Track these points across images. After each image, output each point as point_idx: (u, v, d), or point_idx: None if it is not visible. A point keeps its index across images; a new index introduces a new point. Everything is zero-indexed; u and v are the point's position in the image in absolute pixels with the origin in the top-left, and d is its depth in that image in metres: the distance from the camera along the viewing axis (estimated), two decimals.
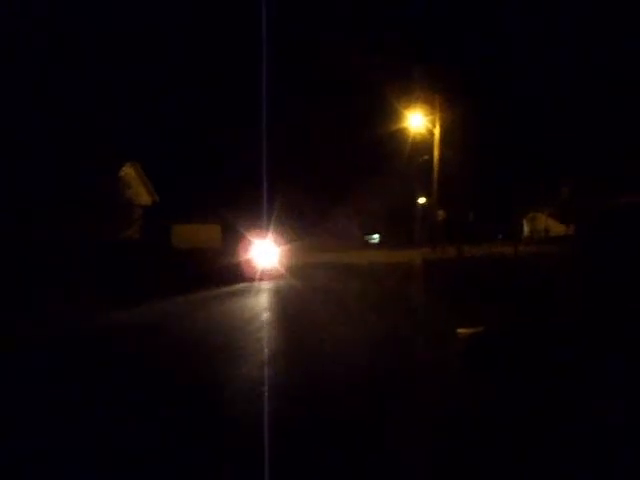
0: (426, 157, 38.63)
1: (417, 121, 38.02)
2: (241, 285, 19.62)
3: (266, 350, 8.50)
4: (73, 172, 24.49)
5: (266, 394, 6.24)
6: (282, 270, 22.41)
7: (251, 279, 20.75)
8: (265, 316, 12.12)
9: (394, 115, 38.07)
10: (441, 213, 39.05)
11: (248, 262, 22.15)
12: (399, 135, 39.00)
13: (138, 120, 30.74)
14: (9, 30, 19.52)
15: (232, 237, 32.81)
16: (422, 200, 44.39)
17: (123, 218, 27.35)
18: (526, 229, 56.83)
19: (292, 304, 14.67)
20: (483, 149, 40.41)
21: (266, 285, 19.48)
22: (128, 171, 32.30)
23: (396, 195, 42.93)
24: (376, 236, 45.36)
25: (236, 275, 20.90)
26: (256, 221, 24.97)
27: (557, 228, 49.70)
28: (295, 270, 23.75)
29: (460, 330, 9.27)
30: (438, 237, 36.69)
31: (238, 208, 30.11)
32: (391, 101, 37.53)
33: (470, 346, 8.48)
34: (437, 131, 37.63)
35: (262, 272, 21.64)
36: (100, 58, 21.80)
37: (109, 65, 21.90)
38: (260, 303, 14.83)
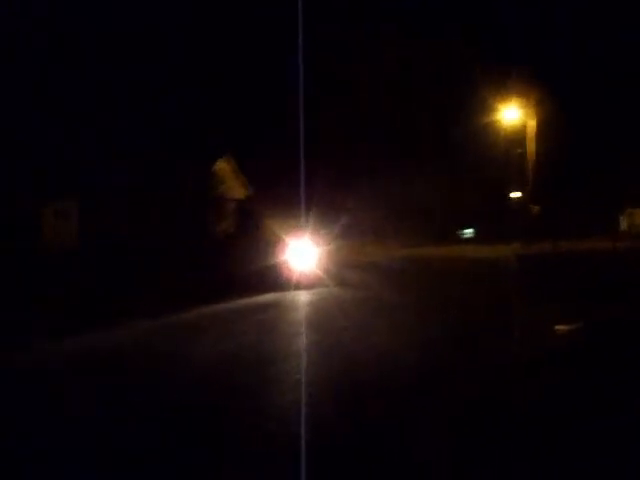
0: (520, 150, 38.00)
1: (511, 114, 37.45)
2: (270, 296, 15.83)
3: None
4: (167, 168, 25.51)
5: None
6: (324, 275, 18.21)
7: (284, 287, 16.91)
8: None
9: (487, 107, 37.77)
10: (535, 207, 38.42)
11: (282, 266, 18.41)
12: (492, 128, 38.51)
13: (233, 116, 31.25)
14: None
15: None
16: (516, 194, 43.78)
17: (217, 212, 27.76)
18: (624, 224, 54.83)
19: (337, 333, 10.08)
20: (579, 143, 39.29)
21: (302, 297, 15.69)
22: (222, 166, 32.63)
23: (490, 189, 42.18)
24: (470, 230, 44.29)
25: (267, 282, 17.06)
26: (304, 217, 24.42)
27: None
28: (353, 272, 20.49)
29: (558, 327, 9.44)
30: (532, 232, 35.90)
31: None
32: (483, 93, 37.35)
33: (569, 342, 8.51)
34: (532, 124, 36.92)
35: (299, 278, 17.63)
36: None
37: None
38: (288, 330, 10.96)
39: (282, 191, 34.05)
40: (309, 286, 17.28)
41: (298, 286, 17.11)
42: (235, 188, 33.59)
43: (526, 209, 38.73)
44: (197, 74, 29.51)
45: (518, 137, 38.40)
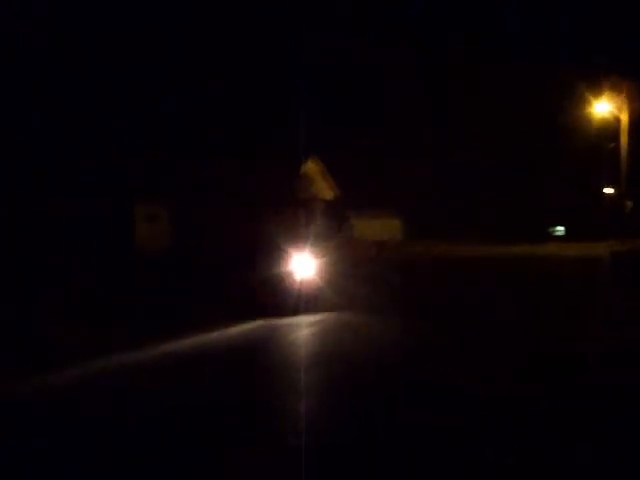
0: (613, 145, 34.94)
1: (602, 107, 34.69)
2: (257, 325, 11.70)
3: None
4: (258, 169, 25.20)
5: None
6: (330, 294, 13.94)
7: (279, 310, 12.78)
8: None
9: (578, 101, 35.42)
10: (629, 204, 35.40)
11: (283, 280, 14.17)
12: (583, 122, 36.14)
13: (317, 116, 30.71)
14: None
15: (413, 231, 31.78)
16: (609, 190, 41.75)
17: (306, 214, 27.49)
18: None
19: None
20: None
21: (299, 329, 11.47)
22: (311, 167, 32.95)
23: (580, 185, 39.87)
24: (561, 228, 41.67)
25: (253, 302, 13.03)
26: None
27: None
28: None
29: None
30: (627, 229, 32.89)
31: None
32: (574, 86, 35.13)
33: None
34: (624, 117, 33.88)
35: (298, 299, 13.51)
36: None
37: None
38: None
39: (367, 192, 33.50)
40: (312, 308, 13.26)
41: (297, 309, 13.02)
42: (323, 190, 33.67)
43: (620, 205, 35.40)
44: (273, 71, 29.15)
45: (610, 131, 35.49)
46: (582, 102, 35.03)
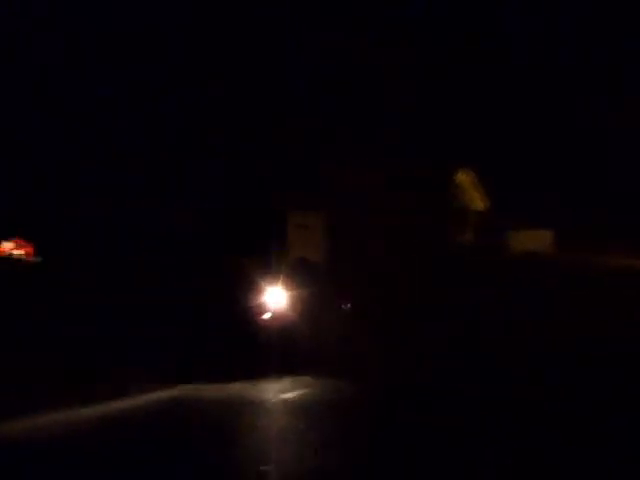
0: None
1: None
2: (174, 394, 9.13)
3: None
4: (406, 179, 25.70)
5: None
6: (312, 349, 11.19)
7: (237, 369, 10.15)
8: None
9: None
10: None
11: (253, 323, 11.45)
12: None
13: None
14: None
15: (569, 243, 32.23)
16: None
17: (459, 223, 29.12)
18: None
19: None
20: None
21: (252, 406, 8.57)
22: (462, 177, 33.57)
23: None
24: None
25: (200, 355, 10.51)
26: None
27: None
28: None
29: None
30: None
31: None
32: None
33: None
34: None
35: (268, 354, 10.58)
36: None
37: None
38: None
39: (520, 203, 33.39)
40: (286, 367, 10.42)
41: (259, 369, 10.26)
42: (474, 200, 34.41)
43: None
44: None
45: None
46: None
